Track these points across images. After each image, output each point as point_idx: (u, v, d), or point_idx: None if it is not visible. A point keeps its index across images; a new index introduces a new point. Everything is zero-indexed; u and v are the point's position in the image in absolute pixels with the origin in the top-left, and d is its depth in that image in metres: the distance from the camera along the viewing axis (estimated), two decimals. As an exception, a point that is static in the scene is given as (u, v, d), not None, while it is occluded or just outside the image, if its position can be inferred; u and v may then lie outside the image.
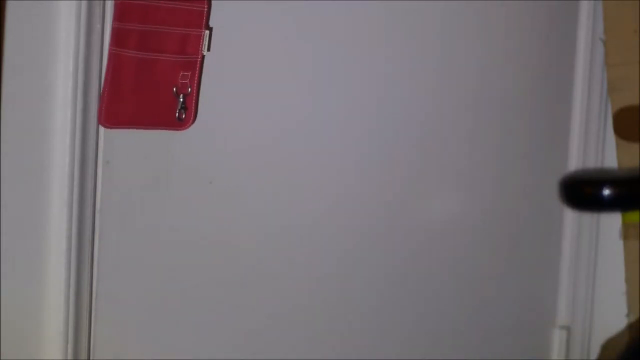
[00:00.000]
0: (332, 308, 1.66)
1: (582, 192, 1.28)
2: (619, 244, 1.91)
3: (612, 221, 1.92)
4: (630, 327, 1.87)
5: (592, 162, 1.92)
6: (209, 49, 1.41)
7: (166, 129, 1.42)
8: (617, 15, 1.86)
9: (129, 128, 1.39)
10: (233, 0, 1.46)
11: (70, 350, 1.39)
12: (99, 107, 1.37)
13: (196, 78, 1.42)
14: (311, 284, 1.63)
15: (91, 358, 1.42)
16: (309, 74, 1.58)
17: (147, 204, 1.45)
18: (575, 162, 1.92)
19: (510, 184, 1.86)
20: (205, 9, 1.40)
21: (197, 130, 1.44)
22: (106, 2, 1.37)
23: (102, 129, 1.39)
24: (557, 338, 1.95)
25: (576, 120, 1.92)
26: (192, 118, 1.43)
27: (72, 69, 1.35)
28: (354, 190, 1.65)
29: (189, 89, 1.41)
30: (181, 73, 1.40)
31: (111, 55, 1.35)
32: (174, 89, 1.40)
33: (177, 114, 1.41)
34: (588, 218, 1.94)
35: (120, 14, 1.34)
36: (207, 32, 1.40)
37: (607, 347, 1.88)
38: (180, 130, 1.42)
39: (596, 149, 1.93)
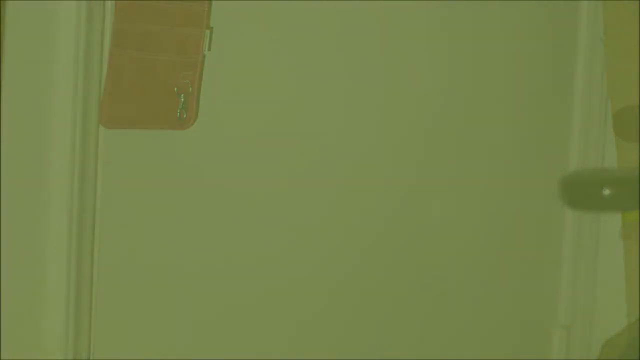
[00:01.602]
0: (332, 308, 1.66)
1: (582, 192, 1.28)
2: (619, 244, 1.91)
3: (612, 221, 1.92)
4: (630, 327, 1.87)
5: (592, 162, 1.92)
6: (209, 49, 1.41)
7: (167, 129, 1.42)
8: (617, 15, 1.86)
9: (130, 128, 1.39)
10: (233, 0, 1.46)
11: (70, 350, 1.39)
12: (99, 107, 1.37)
13: (197, 78, 1.41)
14: (312, 284, 1.63)
15: (91, 358, 1.42)
16: (310, 73, 1.58)
17: (147, 204, 1.45)
18: (575, 162, 1.92)
19: (510, 184, 1.85)
20: (206, 9, 1.40)
21: (198, 130, 1.44)
22: (106, 2, 1.36)
23: (102, 128, 1.39)
24: (557, 338, 1.95)
25: (576, 120, 1.92)
26: (193, 118, 1.42)
27: (72, 69, 1.35)
28: (357, 190, 1.65)
29: (190, 89, 1.41)
30: (182, 73, 1.40)
31: (112, 56, 1.35)
32: (175, 89, 1.40)
33: (178, 114, 1.41)
34: (588, 218, 1.93)
35: (121, 14, 1.34)
36: (207, 32, 1.40)
37: (607, 347, 1.88)
38: (182, 130, 1.42)
39: (596, 149, 1.93)
